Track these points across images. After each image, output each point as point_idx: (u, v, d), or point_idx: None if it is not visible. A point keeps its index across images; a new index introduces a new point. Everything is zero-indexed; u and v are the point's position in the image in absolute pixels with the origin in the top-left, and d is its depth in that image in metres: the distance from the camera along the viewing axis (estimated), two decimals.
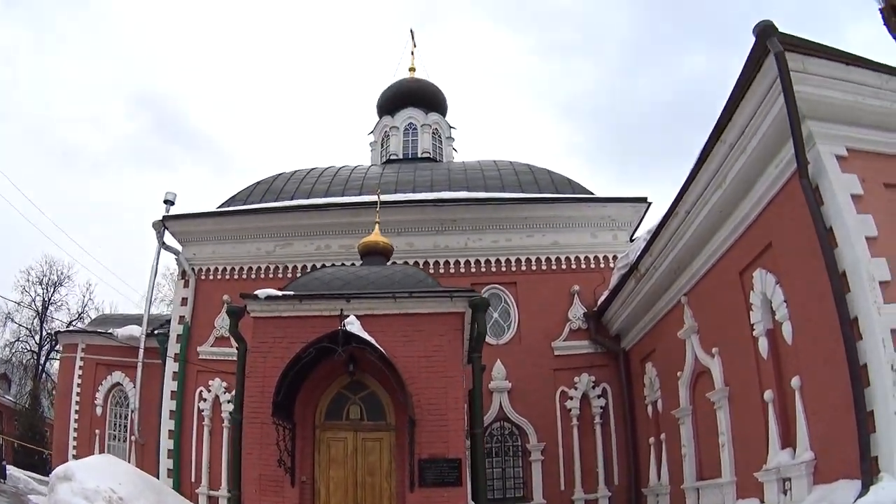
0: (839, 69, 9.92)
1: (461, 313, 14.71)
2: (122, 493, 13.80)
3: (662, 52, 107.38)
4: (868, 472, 8.44)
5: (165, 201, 22.17)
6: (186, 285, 21.71)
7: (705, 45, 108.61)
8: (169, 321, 22.95)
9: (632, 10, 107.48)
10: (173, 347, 21.09)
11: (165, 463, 20.33)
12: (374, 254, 17.24)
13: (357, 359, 13.67)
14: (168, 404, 20.82)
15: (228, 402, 20.02)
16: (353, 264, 18.26)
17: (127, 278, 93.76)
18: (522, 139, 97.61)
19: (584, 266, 21.14)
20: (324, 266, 19.59)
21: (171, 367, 20.98)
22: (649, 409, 17.86)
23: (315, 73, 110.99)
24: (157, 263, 22.63)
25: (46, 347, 54.10)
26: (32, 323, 54.14)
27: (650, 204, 21.43)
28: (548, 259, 21.09)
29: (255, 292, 14.80)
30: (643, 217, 21.71)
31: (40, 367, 54.19)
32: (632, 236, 21.59)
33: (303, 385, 13.97)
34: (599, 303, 19.96)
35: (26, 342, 54.57)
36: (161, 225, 21.71)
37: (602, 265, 21.14)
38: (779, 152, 10.57)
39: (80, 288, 57.84)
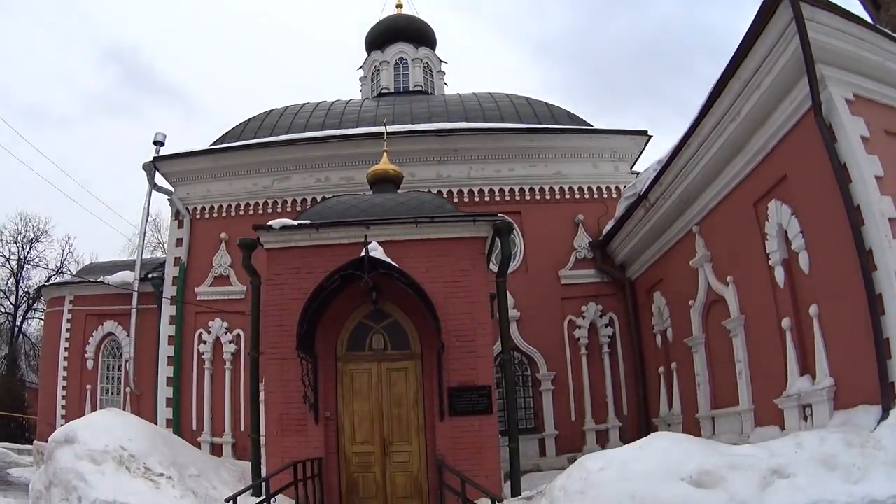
0: (841, 22, 10.39)
1: (484, 238, 14.31)
2: (134, 449, 12.37)
3: None
4: (888, 397, 8.87)
5: (155, 142, 21.32)
6: (181, 226, 20.92)
7: None
8: (162, 264, 22.19)
9: None
10: (169, 290, 20.35)
11: (164, 412, 19.69)
12: (385, 182, 16.70)
13: (379, 287, 13.13)
14: (165, 350, 20.16)
15: (230, 342, 19.64)
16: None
17: (106, 228, 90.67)
18: (501, 77, 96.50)
19: (587, 196, 20.80)
20: (324, 198, 18.99)
21: (168, 310, 20.29)
22: (658, 338, 17.77)
23: (282, 10, 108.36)
24: (148, 205, 21.91)
25: (23, 307, 52.71)
26: (7, 283, 52.49)
27: (650, 137, 21.23)
28: (551, 189, 20.68)
29: (269, 223, 14.26)
30: (643, 150, 21.51)
31: (17, 329, 52.94)
32: (632, 168, 21.37)
33: (323, 316, 13.45)
34: (605, 232, 19.71)
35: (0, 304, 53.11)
36: (151, 166, 20.90)
37: (605, 196, 20.84)
38: (791, 91, 10.85)
39: (59, 242, 55.68)
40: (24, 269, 52.38)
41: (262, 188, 20.62)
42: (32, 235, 52.32)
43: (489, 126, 20.90)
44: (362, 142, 19.92)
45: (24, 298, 52.17)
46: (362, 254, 12.57)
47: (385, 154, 17.09)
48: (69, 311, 24.35)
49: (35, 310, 52.67)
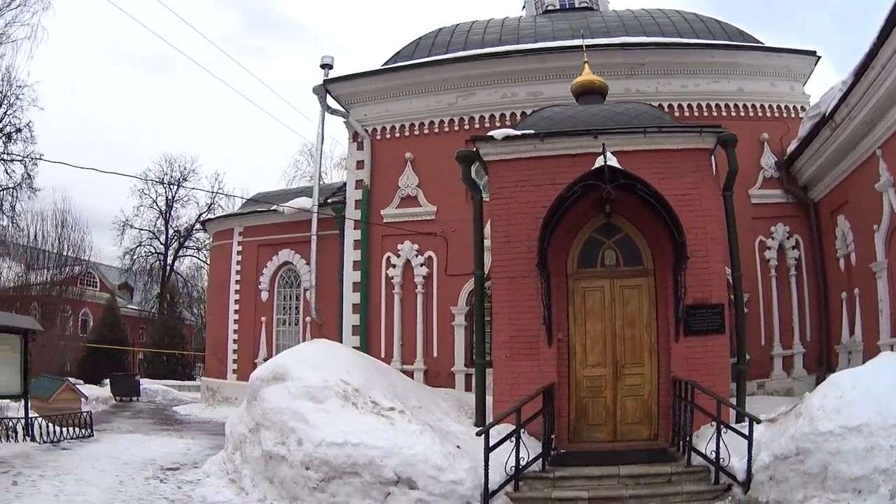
0: None
1: (709, 150, 13.64)
2: (356, 383, 11.65)
3: None
4: None
5: (323, 66, 21.00)
6: (360, 147, 20.57)
7: None
8: (340, 188, 22.09)
9: None
10: (352, 214, 20.08)
11: (350, 340, 19.43)
12: (591, 93, 15.98)
13: (610, 199, 12.49)
14: (350, 276, 20.00)
15: (421, 265, 19.31)
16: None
17: (253, 168, 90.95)
18: None
19: (768, 115, 19.93)
20: (513, 115, 18.78)
21: (352, 235, 20.06)
22: (841, 262, 17.19)
23: None
24: (322, 129, 21.53)
25: (175, 245, 54.54)
26: (156, 224, 54.19)
27: (819, 57, 20.22)
28: (735, 106, 19.82)
29: (491, 133, 13.82)
30: (813, 70, 20.52)
31: (169, 268, 54.45)
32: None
33: (556, 231, 12.83)
34: (788, 153, 19.00)
35: (150, 245, 54.65)
36: (322, 89, 20.52)
37: (784, 115, 19.98)
38: None
39: (208, 179, 56.75)
40: (173, 208, 54.10)
41: (445, 105, 20.10)
42: (179, 175, 53.90)
43: (676, 41, 20.06)
44: (548, 56, 19.30)
45: (175, 237, 53.71)
46: (597, 164, 11.97)
47: (586, 66, 16.42)
48: (239, 244, 24.57)
49: (186, 247, 54.48)
